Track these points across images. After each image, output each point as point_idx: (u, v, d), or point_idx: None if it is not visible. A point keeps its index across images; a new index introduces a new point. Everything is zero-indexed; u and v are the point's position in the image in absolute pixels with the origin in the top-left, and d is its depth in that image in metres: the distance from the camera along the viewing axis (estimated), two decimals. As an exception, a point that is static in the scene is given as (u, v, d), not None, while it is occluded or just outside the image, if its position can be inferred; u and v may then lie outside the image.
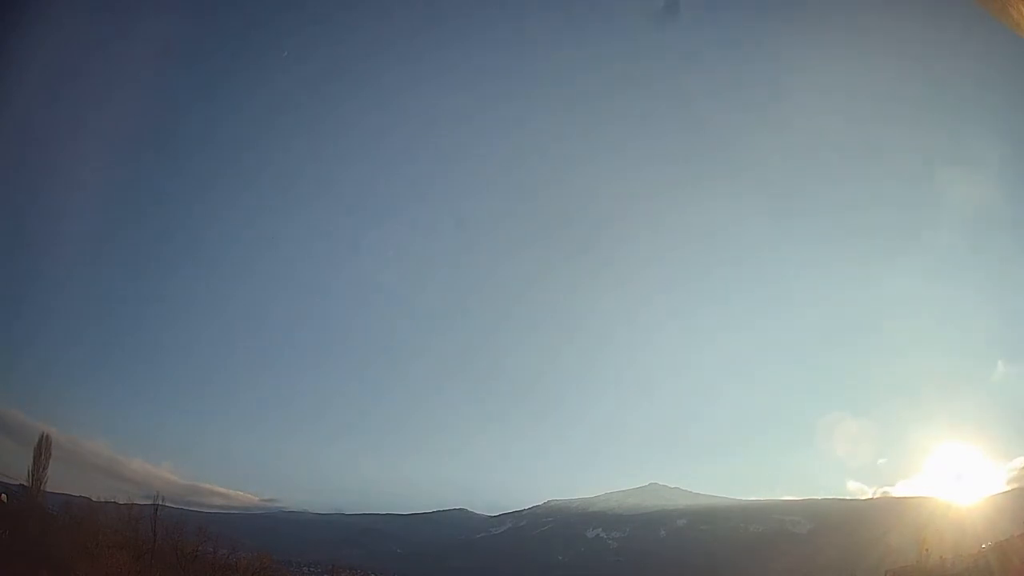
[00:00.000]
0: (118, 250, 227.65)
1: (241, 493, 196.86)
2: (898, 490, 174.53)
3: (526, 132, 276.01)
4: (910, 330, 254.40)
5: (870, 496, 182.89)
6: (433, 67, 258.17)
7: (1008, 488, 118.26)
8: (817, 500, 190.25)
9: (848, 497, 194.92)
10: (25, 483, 58.15)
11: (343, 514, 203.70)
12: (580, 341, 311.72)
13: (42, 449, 58.83)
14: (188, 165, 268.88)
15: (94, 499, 58.81)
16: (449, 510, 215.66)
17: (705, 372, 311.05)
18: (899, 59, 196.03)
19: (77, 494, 64.81)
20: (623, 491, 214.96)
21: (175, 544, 51.05)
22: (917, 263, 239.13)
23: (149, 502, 55.80)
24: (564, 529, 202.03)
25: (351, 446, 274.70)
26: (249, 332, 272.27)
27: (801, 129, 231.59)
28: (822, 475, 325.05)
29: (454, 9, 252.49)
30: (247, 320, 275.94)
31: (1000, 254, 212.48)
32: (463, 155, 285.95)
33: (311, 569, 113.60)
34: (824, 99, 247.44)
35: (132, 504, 55.36)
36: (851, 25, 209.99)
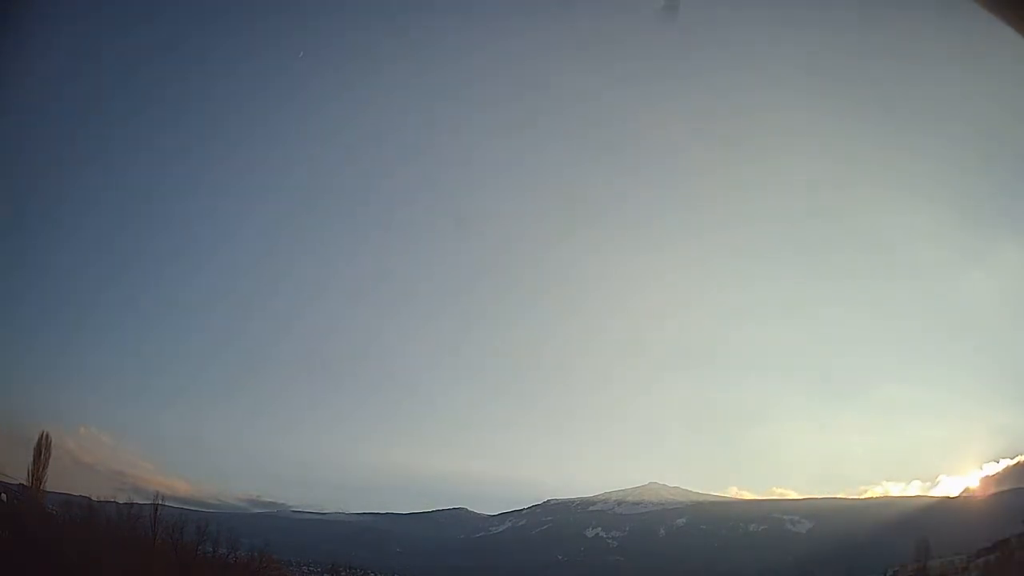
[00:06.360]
0: (116, 250, 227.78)
1: (240, 492, 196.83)
2: (898, 489, 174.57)
3: (526, 128, 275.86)
4: (911, 326, 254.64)
5: (870, 495, 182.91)
6: (433, 66, 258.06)
7: (1009, 487, 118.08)
8: (817, 500, 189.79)
9: (848, 496, 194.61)
10: (25, 483, 58.12)
11: (343, 514, 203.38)
12: (580, 340, 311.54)
13: (42, 449, 58.81)
14: (185, 165, 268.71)
15: (94, 499, 58.75)
16: (449, 509, 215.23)
17: (705, 371, 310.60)
18: (898, 58, 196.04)
19: (77, 494, 64.79)
20: (623, 490, 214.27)
21: (175, 543, 50.96)
22: (915, 262, 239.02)
23: (149, 502, 55.73)
24: (563, 528, 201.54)
25: (351, 445, 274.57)
26: (248, 331, 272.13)
27: (799, 132, 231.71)
28: (823, 474, 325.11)
29: (457, 8, 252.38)
30: (247, 320, 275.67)
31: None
32: (469, 151, 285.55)
33: (311, 569, 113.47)
34: (822, 98, 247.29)
35: (132, 503, 55.31)
36: (851, 25, 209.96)
